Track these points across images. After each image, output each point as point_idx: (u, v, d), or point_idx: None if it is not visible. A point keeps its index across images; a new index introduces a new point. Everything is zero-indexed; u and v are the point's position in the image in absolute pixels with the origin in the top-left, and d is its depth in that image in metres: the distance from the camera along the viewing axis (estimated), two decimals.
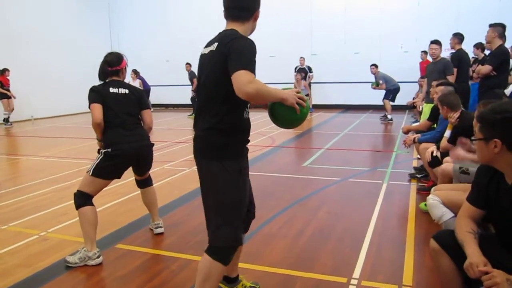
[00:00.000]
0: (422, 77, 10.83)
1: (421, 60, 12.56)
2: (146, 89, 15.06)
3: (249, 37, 2.20)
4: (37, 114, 14.77)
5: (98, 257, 3.35)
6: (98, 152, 3.51)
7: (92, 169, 3.42)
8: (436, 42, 7.09)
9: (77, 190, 3.43)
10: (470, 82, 9.32)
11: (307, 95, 13.28)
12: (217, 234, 2.23)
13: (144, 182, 3.95)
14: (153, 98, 15.82)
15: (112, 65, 3.56)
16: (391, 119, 11.73)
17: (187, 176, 6.12)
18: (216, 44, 2.16)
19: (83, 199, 3.39)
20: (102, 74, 3.57)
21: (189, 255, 3.45)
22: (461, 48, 7.29)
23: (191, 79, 14.14)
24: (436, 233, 2.32)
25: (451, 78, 6.58)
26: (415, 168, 5.87)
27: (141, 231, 4.03)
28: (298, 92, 2.18)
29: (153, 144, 3.76)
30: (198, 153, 2.29)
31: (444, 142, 4.15)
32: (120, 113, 3.47)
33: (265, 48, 15.76)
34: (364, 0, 14.82)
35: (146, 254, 3.53)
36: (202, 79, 2.28)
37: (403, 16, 14.40)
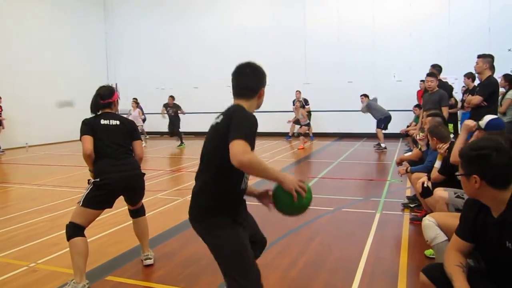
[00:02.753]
0: (416, 106, 10.97)
1: (419, 89, 12.69)
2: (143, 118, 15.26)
3: None
4: (32, 141, 14.77)
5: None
6: (88, 182, 3.52)
7: (82, 199, 3.42)
8: (431, 74, 7.20)
9: (69, 222, 3.42)
10: (461, 111, 9.47)
11: (308, 124, 13.38)
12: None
13: (136, 212, 3.95)
14: (148, 126, 15.90)
15: (104, 98, 3.63)
16: (385, 148, 11.80)
17: (180, 205, 6.09)
18: (221, 116, 2.30)
19: (74, 230, 3.38)
20: (94, 106, 3.64)
21: (181, 287, 3.41)
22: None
23: (175, 112, 14.31)
24: (425, 267, 2.32)
25: (445, 110, 6.70)
26: (408, 197, 5.88)
27: (132, 263, 3.99)
28: (302, 182, 2.24)
29: (143, 174, 3.77)
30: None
31: (435, 173, 4.18)
32: (110, 144, 3.52)
33: None
34: (357, 30, 15.13)
35: (137, 287, 3.49)
36: (203, 149, 2.38)
37: (396, 45, 14.70)
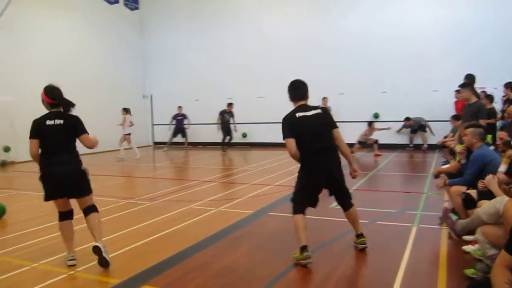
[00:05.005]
0: (453, 116, 10.70)
1: (456, 99, 12.40)
2: (181, 128, 16.46)
3: None
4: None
5: (71, 260, 4.26)
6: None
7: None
8: (463, 85, 7.00)
9: None
10: (501, 122, 9.16)
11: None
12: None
13: (86, 210, 4.38)
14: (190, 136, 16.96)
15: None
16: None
17: (214, 216, 6.12)
18: (318, 110, 4.24)
19: (59, 216, 4.38)
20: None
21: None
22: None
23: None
24: (470, 283, 2.25)
25: (483, 122, 6.48)
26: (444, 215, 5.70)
27: (167, 272, 4.02)
28: None
29: (81, 169, 4.33)
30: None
31: (501, 175, 4.05)
32: (50, 142, 4.14)
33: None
34: (387, 41, 14.95)
35: None
36: (325, 133, 4.21)
37: (430, 55, 14.41)
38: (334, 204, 6.77)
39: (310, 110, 4.18)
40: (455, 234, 4.20)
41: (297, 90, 4.29)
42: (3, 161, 13.40)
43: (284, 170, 10.18)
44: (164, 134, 18.39)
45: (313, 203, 4.36)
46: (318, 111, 4.20)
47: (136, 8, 19.31)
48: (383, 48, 15.07)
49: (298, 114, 4.14)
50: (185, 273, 3.99)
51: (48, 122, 4.15)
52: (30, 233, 5.50)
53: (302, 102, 4.25)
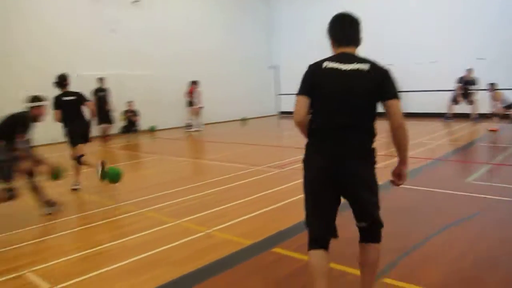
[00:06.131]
0: None
1: None
2: None
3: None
4: (213, 119, 16.52)
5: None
6: None
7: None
8: None
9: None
10: None
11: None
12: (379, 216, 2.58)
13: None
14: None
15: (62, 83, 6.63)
16: None
17: None
18: (367, 64, 2.50)
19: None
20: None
21: (344, 266, 3.43)
22: None
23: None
24: None
25: None
26: None
27: (298, 236, 4.11)
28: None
29: (89, 122, 6.90)
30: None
31: None
32: (68, 112, 6.53)
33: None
34: None
35: (301, 261, 3.60)
36: (342, 96, 2.50)
37: None
38: (470, 178, 6.31)
39: (352, 62, 2.50)
40: None
41: (340, 29, 2.64)
42: (152, 127, 14.84)
43: (418, 140, 9.66)
44: (290, 103, 18.69)
45: (327, 225, 2.58)
46: (365, 66, 2.47)
47: None
48: None
49: (326, 64, 2.54)
50: None
51: (65, 98, 6.56)
52: (174, 193, 6.06)
53: (343, 49, 2.59)
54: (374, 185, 2.55)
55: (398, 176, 2.63)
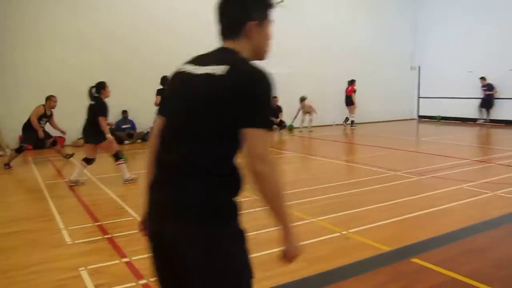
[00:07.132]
0: None
1: None
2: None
3: None
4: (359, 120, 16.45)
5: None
6: None
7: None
8: None
9: None
10: None
11: None
12: None
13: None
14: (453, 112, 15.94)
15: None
16: None
17: (489, 199, 5.58)
18: (225, 67, 1.55)
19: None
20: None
21: None
22: None
23: None
24: None
25: None
26: None
27: (438, 250, 3.94)
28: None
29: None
30: None
31: None
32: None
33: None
34: None
35: (442, 275, 3.44)
36: (182, 113, 1.66)
37: None
38: None
39: (209, 63, 1.60)
40: None
41: (216, 14, 1.71)
42: (290, 125, 15.17)
43: None
44: (430, 107, 17.74)
45: None
46: (219, 69, 1.53)
47: None
48: None
49: (181, 67, 1.73)
50: (457, 254, 3.84)
51: None
52: (310, 191, 6.16)
53: (223, 45, 1.70)
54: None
55: (287, 255, 1.72)
